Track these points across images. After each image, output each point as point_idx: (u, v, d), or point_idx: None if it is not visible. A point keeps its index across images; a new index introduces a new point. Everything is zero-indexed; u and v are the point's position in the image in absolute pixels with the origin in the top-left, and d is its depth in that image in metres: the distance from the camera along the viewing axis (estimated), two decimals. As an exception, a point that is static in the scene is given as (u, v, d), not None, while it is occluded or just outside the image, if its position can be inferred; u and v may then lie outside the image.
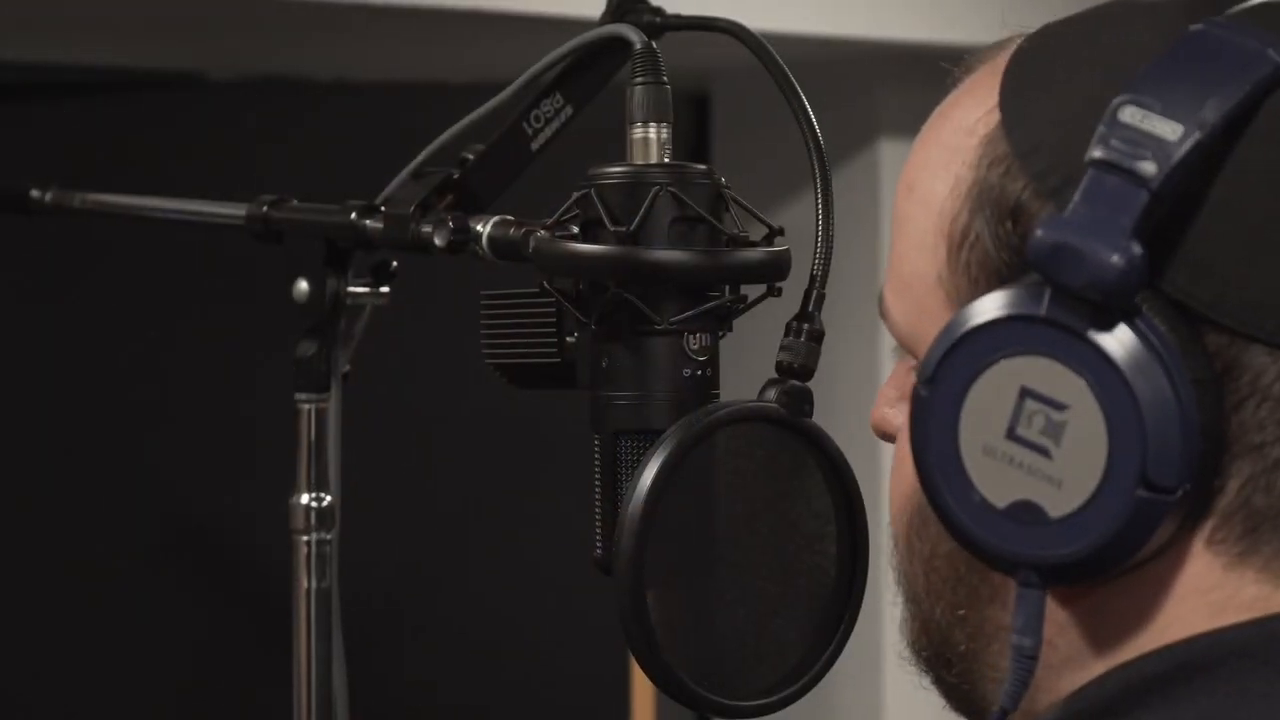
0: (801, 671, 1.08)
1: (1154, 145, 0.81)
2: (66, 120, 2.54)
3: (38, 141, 2.45)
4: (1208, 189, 0.82)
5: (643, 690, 2.68)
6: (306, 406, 1.35)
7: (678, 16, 1.26)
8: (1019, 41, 0.92)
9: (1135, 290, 0.81)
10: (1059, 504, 0.83)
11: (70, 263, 2.43)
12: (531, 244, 1.15)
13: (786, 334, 1.09)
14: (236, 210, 1.39)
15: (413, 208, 1.28)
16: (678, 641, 1.04)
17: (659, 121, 1.13)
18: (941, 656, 0.92)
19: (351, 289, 1.35)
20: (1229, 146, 0.82)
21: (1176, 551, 0.84)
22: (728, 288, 1.12)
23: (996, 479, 0.84)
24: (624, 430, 1.10)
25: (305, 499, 1.35)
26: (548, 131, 1.30)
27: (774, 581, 1.07)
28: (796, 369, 1.08)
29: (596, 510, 1.12)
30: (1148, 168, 0.81)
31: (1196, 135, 0.81)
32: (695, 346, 1.11)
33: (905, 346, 0.93)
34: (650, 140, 1.13)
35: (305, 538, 1.35)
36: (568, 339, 1.14)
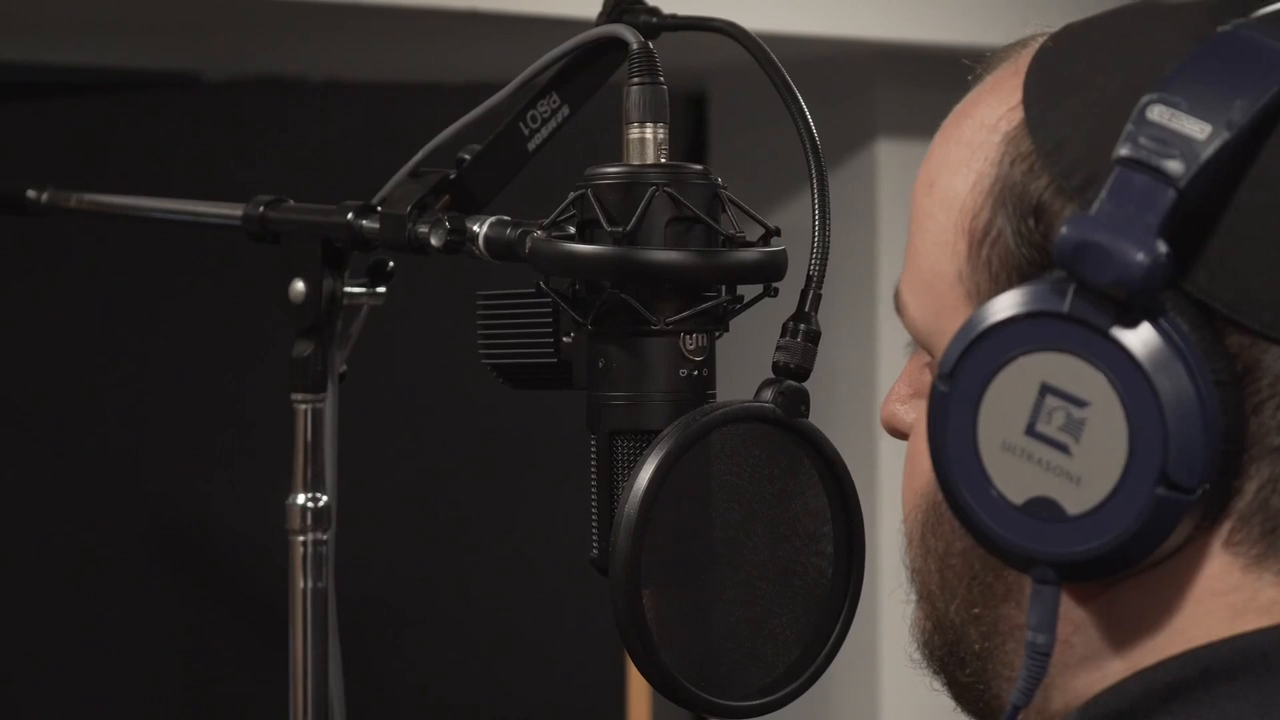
0: (798, 671, 1.08)
1: (1182, 144, 0.81)
2: (62, 121, 2.54)
3: (33, 142, 2.45)
4: (1234, 190, 0.82)
5: (639, 690, 2.68)
6: (303, 406, 1.35)
7: (674, 17, 1.26)
8: (1042, 40, 0.92)
9: (1160, 289, 0.81)
10: (1077, 501, 0.83)
11: (66, 263, 2.43)
12: (528, 244, 1.15)
13: (783, 334, 1.09)
14: (233, 210, 1.39)
15: (409, 208, 1.28)
16: (674, 641, 1.05)
17: (655, 122, 1.13)
18: (955, 656, 0.92)
19: (348, 289, 1.35)
20: (1257, 148, 0.82)
21: (1194, 552, 0.84)
22: (724, 288, 1.12)
23: (1014, 475, 0.84)
24: (620, 430, 1.11)
25: (301, 499, 1.35)
26: (544, 132, 1.30)
27: (770, 581, 1.07)
28: (793, 369, 1.08)
29: (593, 510, 1.12)
30: (1175, 166, 0.81)
31: (1225, 135, 0.81)
32: (691, 347, 1.11)
33: (922, 343, 0.93)
34: (647, 140, 1.13)
35: (301, 538, 1.35)
36: (564, 339, 1.15)
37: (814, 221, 1.11)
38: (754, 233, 1.13)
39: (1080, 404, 0.82)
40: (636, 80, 1.14)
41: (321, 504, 1.36)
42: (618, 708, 2.68)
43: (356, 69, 2.90)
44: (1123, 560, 0.83)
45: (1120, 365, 0.82)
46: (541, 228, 1.14)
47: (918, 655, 0.95)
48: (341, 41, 2.73)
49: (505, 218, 1.23)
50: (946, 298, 0.89)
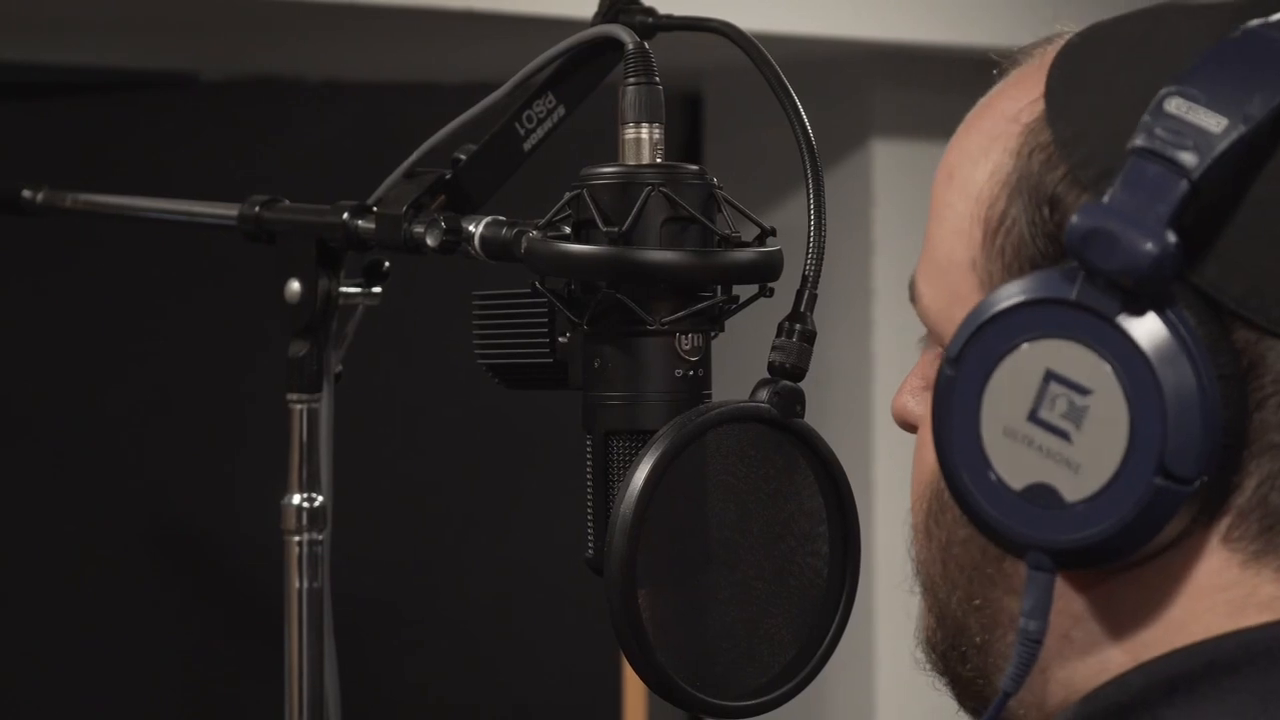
0: (793, 671, 1.08)
1: (1197, 136, 0.81)
2: (58, 120, 2.54)
3: (29, 142, 2.44)
4: (1248, 185, 0.83)
5: (634, 690, 2.68)
6: (298, 407, 1.35)
7: (670, 17, 1.26)
8: (1068, 37, 0.92)
9: (1168, 279, 0.81)
10: (1075, 488, 0.83)
11: (62, 263, 2.43)
12: (524, 244, 1.15)
13: (778, 334, 1.09)
14: (229, 210, 1.39)
15: (405, 208, 1.28)
16: (669, 641, 1.05)
17: (651, 122, 1.13)
18: (957, 650, 0.92)
19: (344, 289, 1.35)
20: (1273, 144, 0.83)
21: (1192, 546, 0.85)
22: (720, 288, 1.12)
23: (1015, 461, 0.85)
24: (616, 430, 1.11)
25: (297, 499, 1.35)
26: (540, 132, 1.30)
27: (766, 581, 1.07)
28: (788, 369, 1.08)
29: (588, 510, 1.12)
30: (1189, 158, 0.81)
31: (1241, 129, 0.81)
32: (687, 347, 1.11)
33: (934, 331, 0.94)
34: (642, 140, 1.13)
35: (297, 538, 1.35)
36: (560, 339, 1.15)
37: (809, 221, 1.11)
38: (749, 233, 1.13)
39: (1083, 391, 0.83)
40: (632, 80, 1.14)
41: (317, 504, 1.36)
42: (613, 708, 2.68)
43: (354, 69, 2.90)
44: (1118, 549, 0.83)
45: (1124, 354, 0.82)
46: (537, 228, 1.14)
47: (920, 654, 0.96)
48: (339, 41, 2.73)
49: (501, 218, 1.23)
50: (959, 286, 0.90)
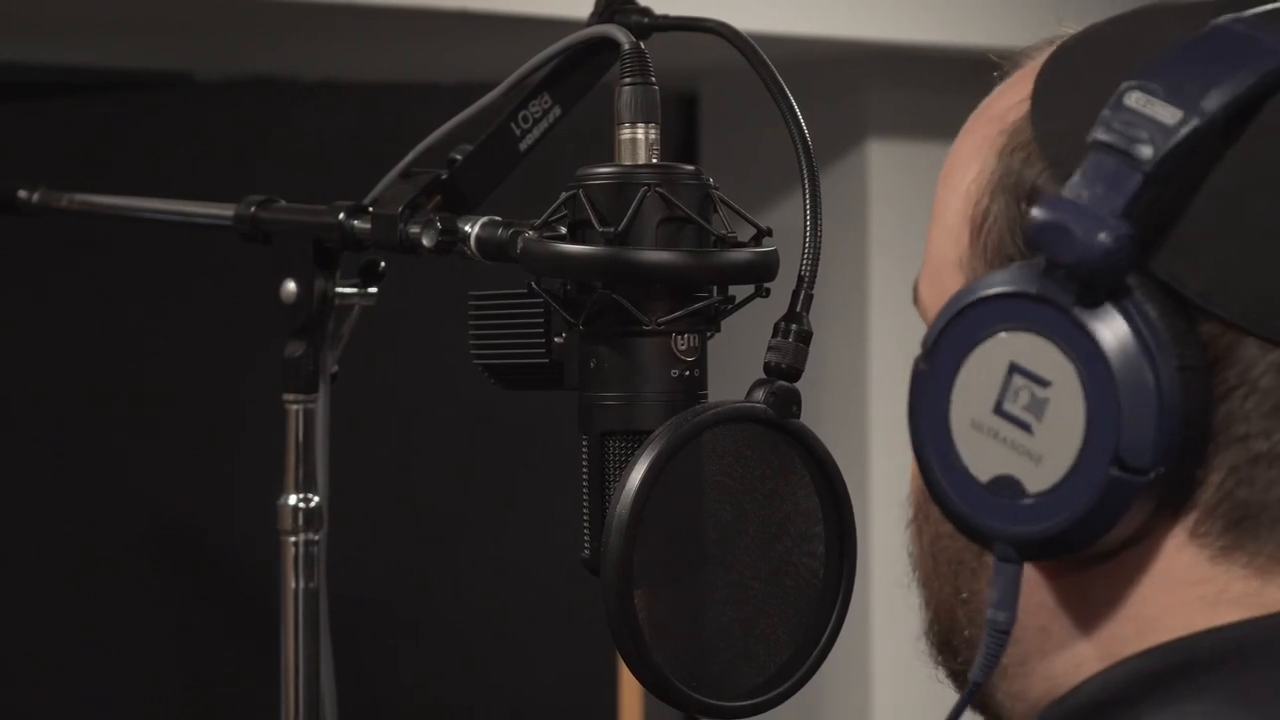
0: (790, 671, 1.08)
1: (1152, 129, 0.82)
2: (54, 120, 2.54)
3: (24, 142, 2.44)
4: (1208, 177, 0.83)
5: (630, 690, 2.68)
6: (294, 407, 1.35)
7: (666, 17, 1.26)
8: (1064, 38, 0.93)
9: (1124, 270, 0.82)
10: (1037, 479, 0.84)
11: (58, 264, 2.43)
12: (519, 245, 1.15)
13: (774, 334, 1.09)
14: (224, 211, 1.39)
15: (401, 208, 1.28)
16: (665, 642, 1.05)
17: (647, 122, 1.13)
18: (949, 644, 0.93)
19: (339, 289, 1.35)
20: (1233, 137, 0.83)
21: (1161, 540, 0.85)
22: (716, 288, 1.12)
23: (981, 453, 0.85)
24: (612, 431, 1.10)
25: (293, 499, 1.35)
26: (536, 132, 1.30)
27: (762, 581, 1.07)
28: (784, 369, 1.08)
29: (584, 511, 1.12)
30: (1144, 150, 0.82)
31: (1195, 122, 0.82)
32: (683, 347, 1.11)
33: None
34: (638, 141, 1.13)
35: (293, 538, 1.35)
36: (556, 340, 1.15)
37: (805, 222, 1.11)
38: (745, 233, 1.13)
39: (1043, 383, 0.84)
40: (628, 80, 1.14)
41: (313, 504, 1.35)
42: (609, 708, 2.68)
43: (349, 69, 2.90)
44: (1078, 540, 0.84)
45: (1080, 345, 0.83)
46: (533, 228, 1.14)
47: (923, 645, 0.96)
48: (334, 41, 2.73)
49: (497, 218, 1.23)
50: (949, 285, 0.90)
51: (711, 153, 3.23)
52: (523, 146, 1.30)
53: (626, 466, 1.04)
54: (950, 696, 0.91)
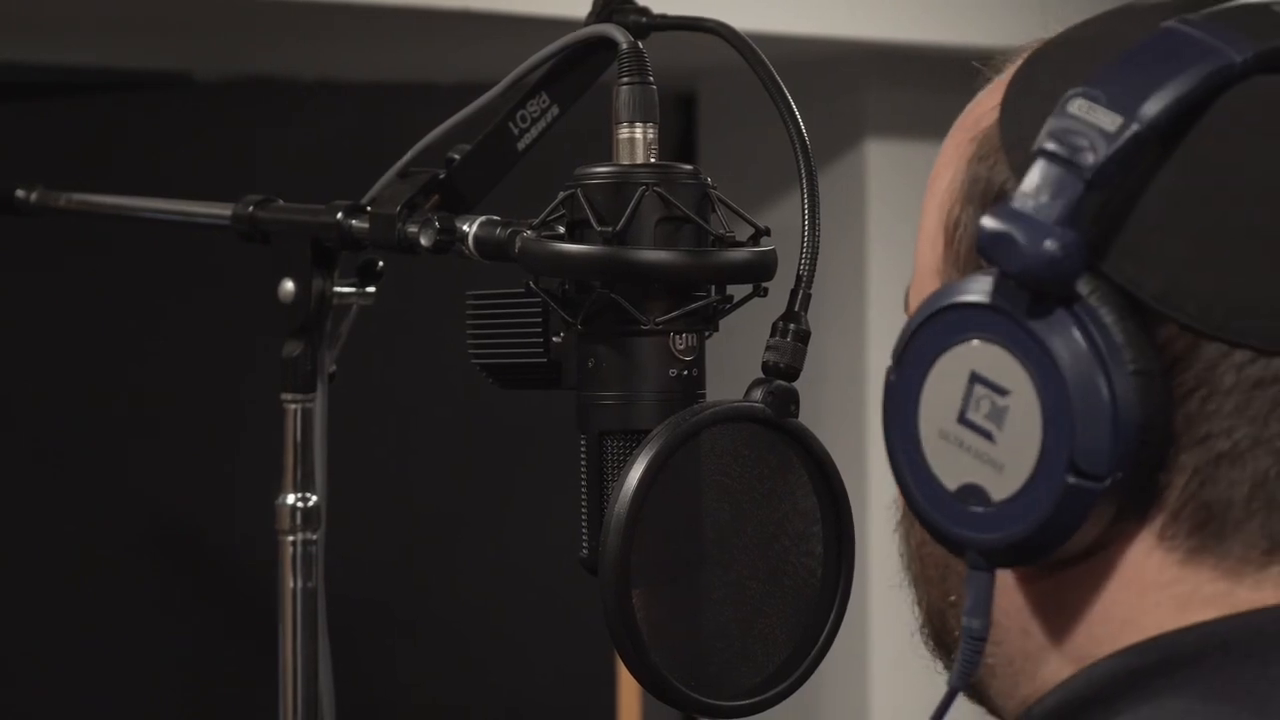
0: (788, 671, 1.08)
1: (1093, 136, 0.82)
2: (52, 120, 2.54)
3: (23, 141, 2.44)
4: (1155, 180, 0.83)
5: (629, 690, 2.68)
6: (293, 406, 1.35)
7: (664, 16, 1.26)
8: (1039, 43, 0.93)
9: (1071, 277, 0.82)
10: (1000, 487, 0.84)
11: (56, 263, 2.43)
12: (518, 244, 1.15)
13: (773, 334, 1.09)
14: (223, 210, 1.39)
15: (399, 208, 1.28)
16: (663, 641, 1.05)
17: (645, 121, 1.13)
18: (942, 643, 0.94)
19: (337, 289, 1.35)
20: (1179, 139, 0.83)
21: (1129, 544, 0.85)
22: (714, 288, 1.12)
23: (948, 462, 0.86)
24: (610, 430, 1.11)
25: (291, 499, 1.35)
26: (534, 132, 1.30)
27: (760, 581, 1.07)
28: (783, 369, 1.08)
29: (582, 510, 1.12)
30: (1086, 158, 0.82)
31: (1135, 127, 0.82)
32: (681, 346, 1.11)
33: None
34: (636, 140, 1.13)
35: (291, 538, 1.35)
36: (554, 339, 1.15)
37: (803, 221, 1.11)
38: (743, 232, 1.13)
39: (1002, 392, 0.84)
40: (626, 80, 1.14)
41: (311, 504, 1.35)
42: (608, 708, 2.68)
43: (348, 68, 2.90)
44: (1042, 546, 0.84)
45: (1034, 354, 0.83)
46: (531, 227, 1.14)
47: (920, 640, 0.97)
48: (333, 41, 2.73)
49: (495, 218, 1.23)
50: (927, 292, 0.91)
51: (710, 152, 3.23)
52: (521, 146, 1.30)
53: (624, 466, 1.04)
54: (948, 695, 0.91)
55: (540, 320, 1.15)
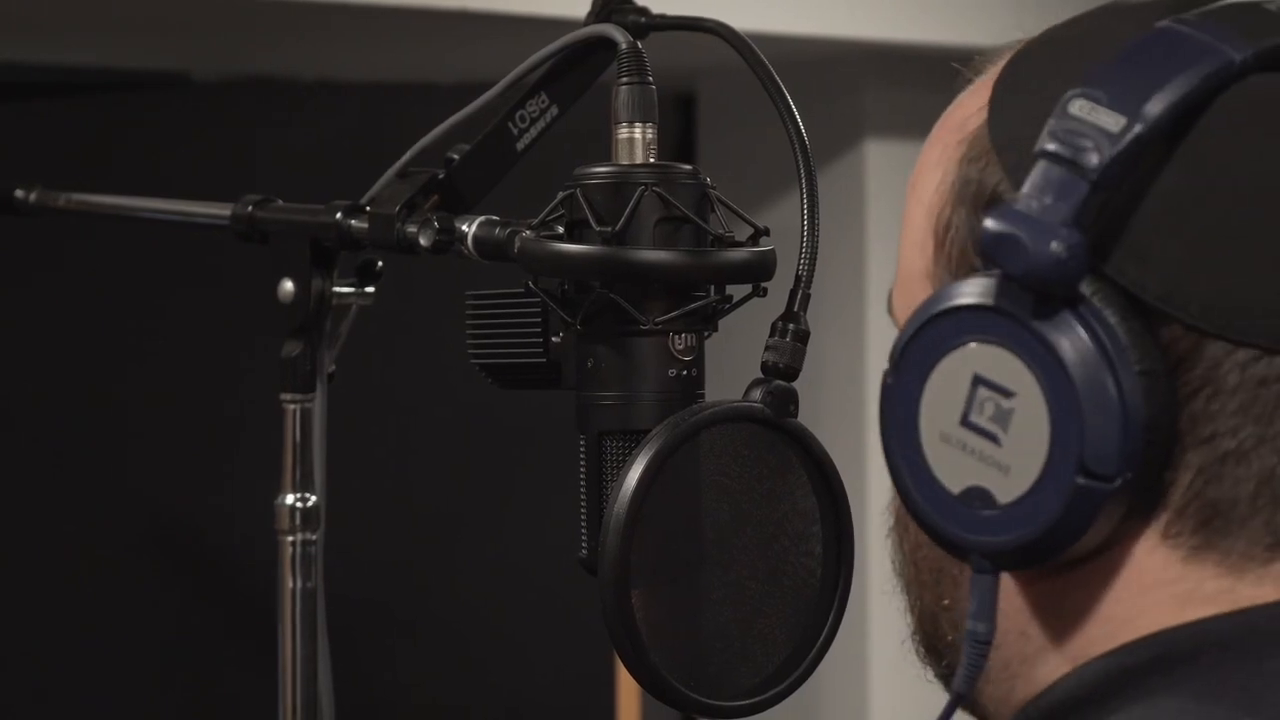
0: (787, 671, 1.08)
1: (1097, 136, 0.82)
2: (51, 120, 2.54)
3: (22, 141, 2.44)
4: (1158, 180, 0.83)
5: (628, 690, 2.68)
6: (292, 407, 1.35)
7: (663, 16, 1.26)
8: (1023, 43, 0.93)
9: (1076, 279, 0.82)
10: (1007, 490, 0.84)
11: (55, 263, 2.43)
12: (517, 244, 1.15)
13: (772, 334, 1.09)
14: (221, 210, 1.39)
15: (398, 208, 1.28)
16: (663, 641, 1.04)
17: (644, 121, 1.13)
18: (934, 649, 0.94)
19: (337, 289, 1.35)
20: (1180, 139, 0.83)
21: (1134, 543, 0.85)
22: (713, 288, 1.12)
23: (951, 465, 0.86)
24: (609, 431, 1.10)
25: (290, 499, 1.35)
26: (533, 132, 1.29)
27: (759, 581, 1.07)
28: (782, 369, 1.08)
29: (582, 510, 1.12)
30: (1090, 159, 0.82)
31: (1138, 128, 0.82)
32: (680, 347, 1.11)
33: None
34: (635, 140, 1.13)
35: (290, 538, 1.35)
36: (553, 339, 1.14)
37: (803, 221, 1.11)
38: (743, 232, 1.13)
39: (1008, 394, 0.84)
40: (625, 80, 1.14)
41: (310, 504, 1.35)
42: (607, 708, 2.68)
43: (347, 68, 2.90)
44: (1050, 548, 0.84)
45: (1040, 356, 0.83)
46: (530, 228, 1.14)
47: (911, 648, 0.97)
48: (332, 41, 2.73)
49: (494, 218, 1.23)
50: (918, 295, 0.91)
51: (709, 152, 3.23)
52: (520, 146, 1.30)
53: (624, 466, 1.04)
54: (945, 697, 0.91)
55: (539, 320, 1.15)
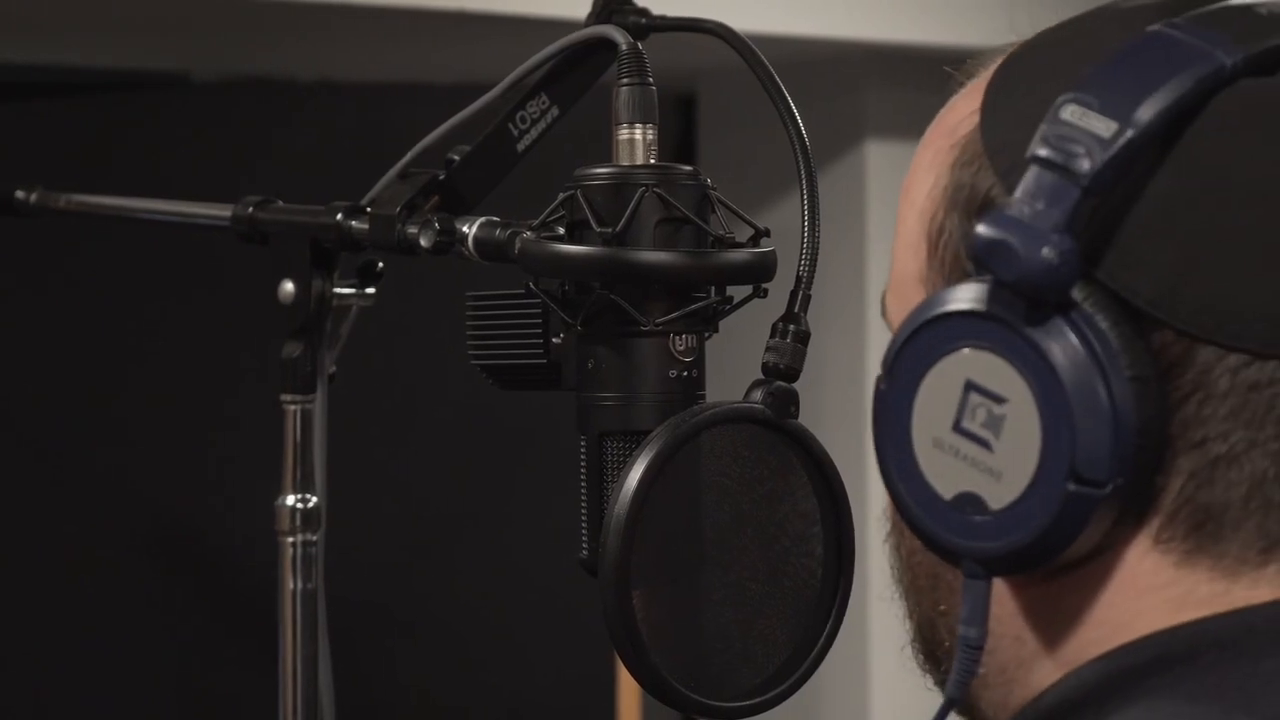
0: (788, 672, 1.08)
1: (1089, 142, 0.82)
2: (51, 121, 2.54)
3: (22, 142, 2.44)
4: (1149, 186, 0.83)
5: (629, 691, 2.68)
6: (292, 407, 1.35)
7: (664, 18, 1.26)
8: (1015, 46, 0.93)
9: (1067, 285, 0.82)
10: (999, 496, 0.84)
11: (56, 264, 2.43)
12: (517, 245, 1.15)
13: (772, 335, 1.09)
14: (222, 211, 1.39)
15: (398, 209, 1.28)
16: (664, 642, 1.04)
17: (645, 122, 1.13)
18: (932, 655, 0.94)
19: (337, 290, 1.35)
20: (1171, 144, 0.83)
21: (1127, 547, 0.85)
22: (713, 289, 1.12)
23: (944, 471, 0.86)
24: (610, 431, 1.10)
25: (291, 500, 1.35)
26: (533, 133, 1.29)
27: (760, 582, 1.07)
28: (782, 370, 1.08)
29: (582, 511, 1.12)
30: (1080, 164, 0.82)
31: (1130, 133, 0.82)
32: (681, 348, 1.11)
33: None
34: (636, 141, 1.13)
35: (291, 539, 1.35)
36: (554, 340, 1.14)
37: (803, 222, 1.11)
38: (743, 233, 1.13)
39: (999, 400, 0.84)
40: (626, 81, 1.14)
41: (311, 505, 1.35)
42: (607, 708, 2.68)
43: (347, 69, 2.90)
44: (1043, 554, 0.84)
45: (1032, 361, 0.83)
46: (531, 229, 1.14)
47: (910, 655, 0.97)
48: (332, 42, 2.73)
49: (494, 219, 1.23)
50: (911, 300, 0.91)
51: (709, 153, 3.23)
52: (520, 147, 1.30)
53: (624, 467, 1.04)
54: (944, 699, 0.91)
55: (540, 321, 1.15)
